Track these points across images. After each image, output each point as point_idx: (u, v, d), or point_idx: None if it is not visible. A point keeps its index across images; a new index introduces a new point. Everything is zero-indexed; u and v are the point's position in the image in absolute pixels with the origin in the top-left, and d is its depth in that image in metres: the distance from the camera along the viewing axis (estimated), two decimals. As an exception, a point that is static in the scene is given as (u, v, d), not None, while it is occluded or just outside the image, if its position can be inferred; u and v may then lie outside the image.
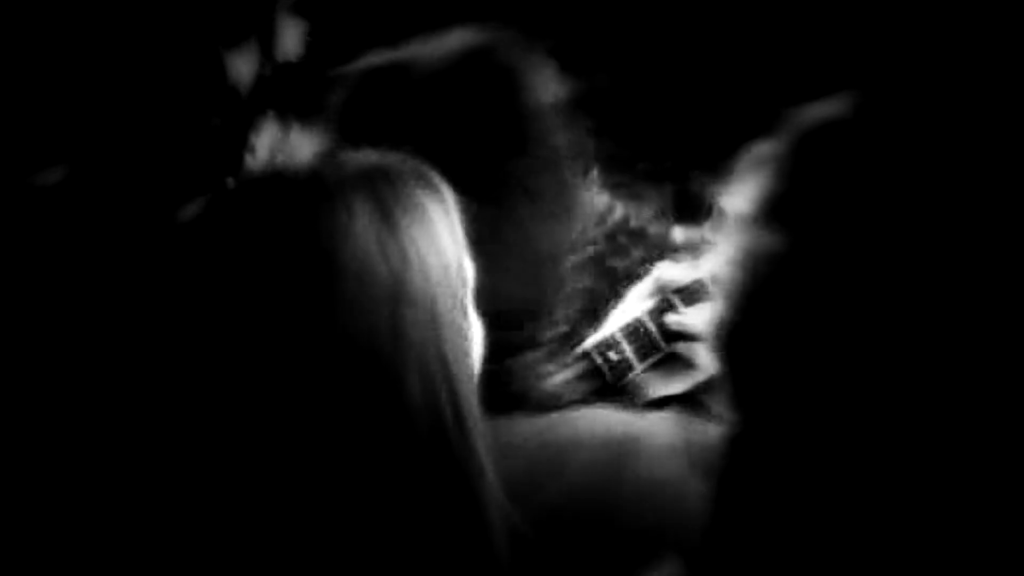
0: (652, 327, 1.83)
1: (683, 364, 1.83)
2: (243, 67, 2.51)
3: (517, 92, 1.70)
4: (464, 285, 1.44)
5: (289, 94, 2.49)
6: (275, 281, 1.36)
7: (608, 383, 1.81)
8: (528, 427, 1.65)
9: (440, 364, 1.37)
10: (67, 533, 1.70)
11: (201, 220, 1.42)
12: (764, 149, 1.12)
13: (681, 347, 1.82)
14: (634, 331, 1.83)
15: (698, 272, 1.86)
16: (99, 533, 1.46)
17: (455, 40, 1.73)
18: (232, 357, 1.35)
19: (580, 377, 1.78)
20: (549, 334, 1.72)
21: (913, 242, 1.03)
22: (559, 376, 1.73)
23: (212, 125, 2.44)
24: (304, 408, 1.34)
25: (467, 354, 1.42)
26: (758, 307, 1.09)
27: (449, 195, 1.44)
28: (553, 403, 1.68)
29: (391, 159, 1.45)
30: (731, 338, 1.11)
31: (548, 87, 1.73)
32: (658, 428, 1.64)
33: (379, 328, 1.35)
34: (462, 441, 1.37)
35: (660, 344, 1.83)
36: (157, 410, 1.39)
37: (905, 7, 2.67)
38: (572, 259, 1.72)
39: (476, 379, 1.45)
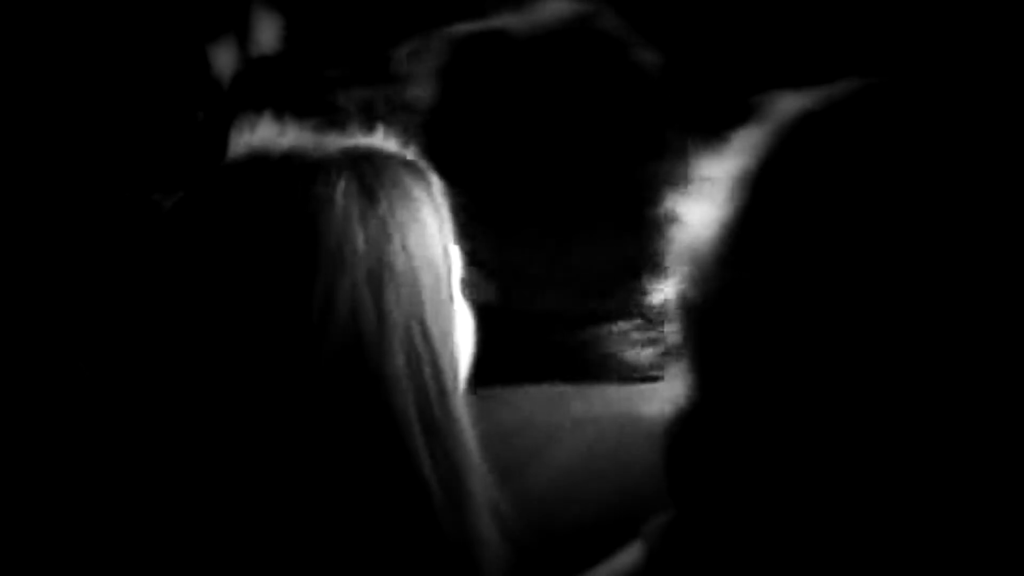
0: None
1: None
2: (226, 62, 2.51)
3: (631, 52, 1.71)
4: (450, 269, 1.42)
5: (270, 86, 2.48)
6: (255, 253, 1.35)
7: None
8: (609, 397, 1.64)
9: (425, 344, 1.35)
10: (47, 532, 1.70)
11: (183, 198, 1.42)
12: (742, 137, 1.12)
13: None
14: None
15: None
16: (80, 527, 1.44)
17: (551, 10, 1.73)
18: (212, 332, 1.34)
19: (668, 351, 1.74)
20: (640, 302, 1.68)
21: (882, 231, 1.03)
22: (648, 348, 1.68)
23: (196, 119, 2.44)
24: (287, 380, 1.33)
25: (452, 337, 1.40)
26: (725, 289, 1.11)
27: (436, 182, 1.43)
28: (636, 375, 1.66)
29: (376, 143, 1.44)
30: (696, 316, 1.13)
31: (645, 49, 1.74)
32: None
33: (363, 304, 1.33)
34: (447, 422, 1.35)
35: None
36: (145, 379, 1.38)
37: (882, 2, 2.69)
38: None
39: (464, 365, 1.44)
